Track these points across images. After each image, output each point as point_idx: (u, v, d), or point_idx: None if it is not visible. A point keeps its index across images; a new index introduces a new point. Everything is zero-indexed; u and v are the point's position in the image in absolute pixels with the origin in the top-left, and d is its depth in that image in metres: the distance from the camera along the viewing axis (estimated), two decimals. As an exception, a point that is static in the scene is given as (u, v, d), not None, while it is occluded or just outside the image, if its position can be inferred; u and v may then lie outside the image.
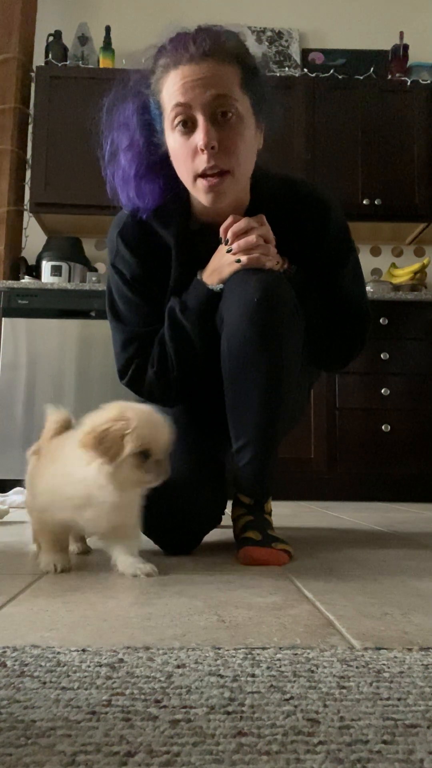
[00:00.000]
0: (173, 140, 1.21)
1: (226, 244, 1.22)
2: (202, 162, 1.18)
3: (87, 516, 1.02)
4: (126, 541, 1.08)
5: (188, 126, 1.18)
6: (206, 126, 1.16)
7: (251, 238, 1.19)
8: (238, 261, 1.20)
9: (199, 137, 1.16)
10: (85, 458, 0.99)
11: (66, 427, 1.15)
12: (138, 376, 1.34)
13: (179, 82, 1.16)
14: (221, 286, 1.24)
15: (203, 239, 1.29)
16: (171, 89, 1.17)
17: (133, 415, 0.99)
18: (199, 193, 1.22)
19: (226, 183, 1.20)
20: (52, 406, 1.18)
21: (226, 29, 1.22)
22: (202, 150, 1.16)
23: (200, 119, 1.16)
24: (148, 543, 1.24)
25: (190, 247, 1.30)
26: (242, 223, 1.20)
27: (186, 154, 1.19)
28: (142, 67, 1.24)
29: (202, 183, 1.20)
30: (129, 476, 0.99)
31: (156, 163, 1.26)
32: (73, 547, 1.26)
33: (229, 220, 1.21)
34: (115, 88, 1.27)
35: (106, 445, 0.96)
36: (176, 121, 1.18)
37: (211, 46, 1.16)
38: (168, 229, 1.30)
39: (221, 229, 1.23)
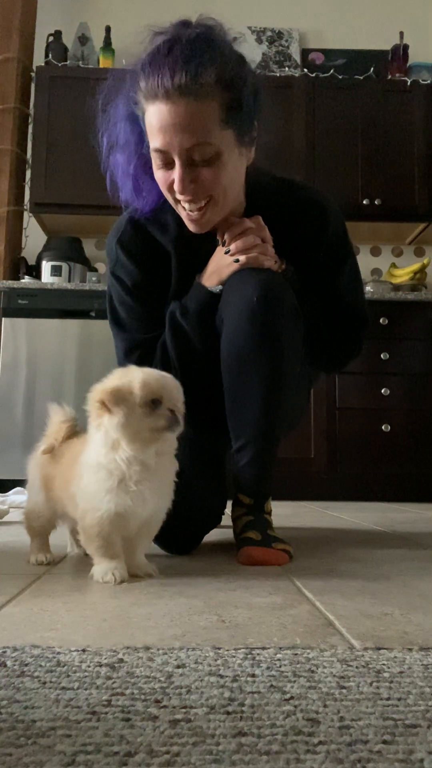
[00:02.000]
0: (154, 167, 1.20)
1: (223, 246, 1.22)
2: (181, 195, 1.18)
3: (130, 500, 0.98)
4: (147, 540, 1.08)
5: (167, 164, 1.16)
6: (181, 173, 1.14)
7: (249, 238, 1.20)
8: (237, 261, 1.20)
9: (176, 180, 1.15)
10: (94, 436, 1.00)
11: (74, 425, 1.15)
12: None
13: (156, 123, 1.12)
14: (221, 287, 1.24)
15: (202, 243, 1.29)
16: (150, 124, 1.14)
17: (138, 370, 1.01)
18: (182, 216, 1.23)
19: (207, 214, 1.20)
20: (55, 404, 1.17)
21: (206, 44, 1.12)
22: (178, 192, 1.16)
23: (177, 162, 1.14)
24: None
25: (189, 252, 1.30)
26: (239, 224, 1.20)
27: (165, 184, 1.19)
28: (130, 70, 1.21)
29: (183, 213, 1.21)
30: (141, 424, 0.97)
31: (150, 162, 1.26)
32: (75, 549, 1.26)
33: (227, 222, 1.22)
34: (108, 85, 1.25)
35: (118, 397, 0.97)
36: (156, 160, 1.17)
37: (188, 82, 1.09)
38: (166, 235, 1.30)
39: (218, 231, 1.23)
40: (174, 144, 1.12)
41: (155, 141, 1.15)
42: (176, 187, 1.16)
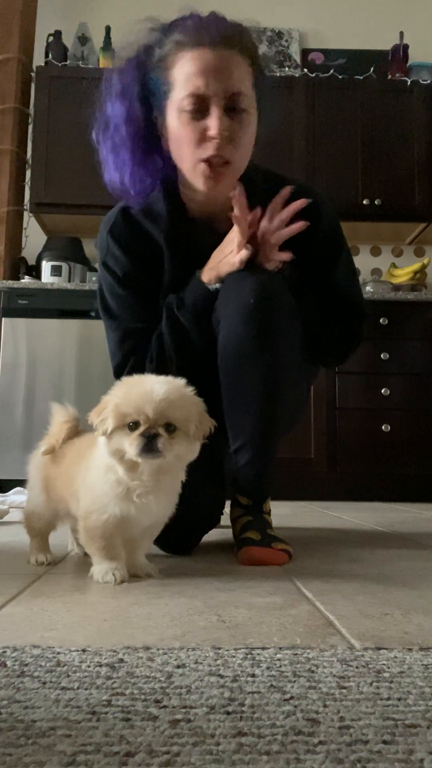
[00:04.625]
0: (179, 121, 1.19)
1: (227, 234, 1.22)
2: (207, 149, 1.18)
3: (134, 509, 0.98)
4: (148, 541, 1.07)
5: (199, 111, 1.17)
6: (220, 114, 1.16)
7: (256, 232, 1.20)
8: (239, 260, 1.20)
9: (212, 124, 1.16)
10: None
11: (76, 426, 1.14)
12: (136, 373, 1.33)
13: (198, 66, 1.15)
14: (218, 285, 1.24)
15: (194, 234, 1.28)
16: (188, 71, 1.16)
17: (120, 387, 0.98)
18: (197, 177, 1.22)
19: (227, 172, 1.21)
20: (56, 403, 1.16)
21: (242, 24, 1.23)
22: (212, 138, 1.16)
23: (215, 109, 1.16)
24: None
25: (182, 242, 1.30)
26: (248, 217, 1.21)
27: (192, 137, 1.18)
28: (147, 40, 1.22)
29: (203, 168, 1.20)
30: (116, 449, 0.94)
31: (149, 144, 1.25)
32: (76, 549, 1.26)
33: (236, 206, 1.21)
34: (116, 60, 1.26)
35: (100, 417, 0.95)
36: (188, 106, 1.17)
37: (234, 35, 1.17)
38: (158, 226, 1.30)
39: (222, 223, 1.23)
40: (217, 89, 1.15)
41: (191, 85, 1.16)
42: (213, 130, 1.16)
